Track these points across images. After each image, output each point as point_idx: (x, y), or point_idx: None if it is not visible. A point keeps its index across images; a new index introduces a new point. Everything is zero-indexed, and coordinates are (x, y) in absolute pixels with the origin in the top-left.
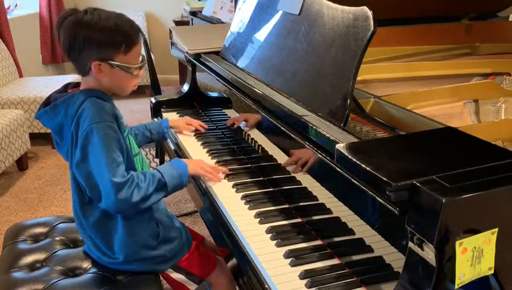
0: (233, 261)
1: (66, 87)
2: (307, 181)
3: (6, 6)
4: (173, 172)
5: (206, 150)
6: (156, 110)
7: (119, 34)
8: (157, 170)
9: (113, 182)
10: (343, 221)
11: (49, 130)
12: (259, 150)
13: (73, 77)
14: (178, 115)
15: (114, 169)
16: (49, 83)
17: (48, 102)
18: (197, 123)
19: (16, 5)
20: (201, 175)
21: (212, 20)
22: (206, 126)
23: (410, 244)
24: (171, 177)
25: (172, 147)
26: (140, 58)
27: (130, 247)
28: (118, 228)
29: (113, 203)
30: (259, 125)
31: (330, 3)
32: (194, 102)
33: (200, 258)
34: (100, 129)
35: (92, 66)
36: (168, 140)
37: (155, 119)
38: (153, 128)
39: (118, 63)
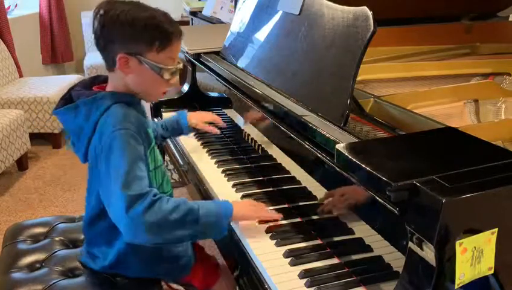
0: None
1: (93, 81)
2: (307, 181)
3: (6, 6)
4: (211, 207)
5: (206, 149)
6: (156, 110)
7: (154, 30)
8: (195, 202)
9: (124, 194)
10: (342, 220)
11: (49, 130)
12: (259, 150)
13: (74, 77)
14: None
15: (129, 181)
16: (49, 83)
17: (69, 96)
18: (219, 122)
19: (16, 5)
20: (254, 216)
21: (212, 20)
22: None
23: (410, 244)
24: (207, 213)
25: (172, 147)
26: (175, 63)
27: (129, 264)
28: (119, 243)
29: (125, 221)
30: (259, 125)
31: (330, 3)
32: (194, 102)
33: (203, 272)
34: (122, 137)
35: (117, 58)
36: (168, 140)
37: (155, 119)
38: (168, 125)
39: (148, 60)
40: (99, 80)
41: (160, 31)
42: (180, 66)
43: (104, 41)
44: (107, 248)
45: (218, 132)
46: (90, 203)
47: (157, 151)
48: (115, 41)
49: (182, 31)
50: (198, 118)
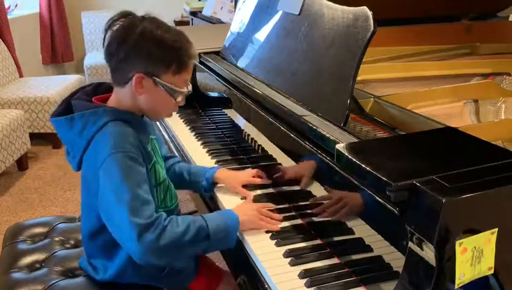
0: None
1: (96, 89)
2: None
3: (6, 6)
4: (220, 222)
5: (206, 149)
6: None
7: (173, 51)
8: (202, 216)
9: (133, 222)
10: (342, 220)
11: (49, 130)
12: (259, 150)
13: (74, 77)
14: (178, 115)
15: (137, 208)
16: (49, 83)
17: (69, 103)
18: (254, 178)
19: (16, 5)
20: (258, 226)
21: (212, 20)
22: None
23: (410, 244)
24: (216, 228)
25: (172, 146)
26: (187, 85)
27: (130, 278)
28: (122, 252)
29: (136, 249)
30: (259, 125)
31: (330, 3)
32: (194, 102)
33: (205, 279)
34: (121, 160)
35: (133, 77)
36: (167, 138)
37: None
38: (193, 172)
39: (164, 83)
40: (101, 89)
41: (182, 54)
42: (190, 88)
43: (120, 57)
44: (107, 262)
45: (251, 195)
46: (89, 219)
47: (158, 166)
48: (134, 60)
49: (197, 54)
50: (229, 175)
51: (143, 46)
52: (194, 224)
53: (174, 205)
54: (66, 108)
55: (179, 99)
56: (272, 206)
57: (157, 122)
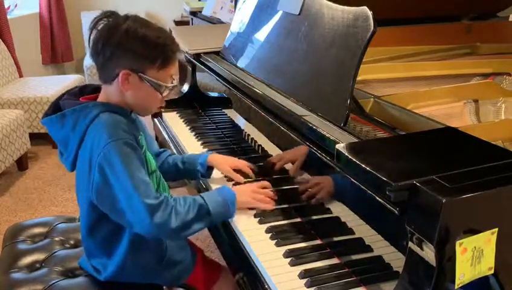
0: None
1: (82, 90)
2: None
3: (6, 6)
4: (218, 198)
5: (206, 149)
6: None
7: (157, 48)
8: (200, 195)
9: (146, 204)
10: (342, 221)
11: None
12: (259, 150)
13: (74, 77)
14: (178, 115)
15: (144, 190)
16: (49, 83)
17: (57, 105)
18: (244, 165)
19: (16, 5)
20: (253, 205)
21: (212, 20)
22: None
23: (410, 244)
24: (215, 204)
25: (172, 146)
26: (172, 80)
27: (129, 275)
28: (121, 247)
29: (149, 228)
30: (259, 125)
31: (330, 3)
32: (194, 102)
33: (203, 274)
34: (119, 148)
35: (120, 74)
36: (167, 138)
37: (155, 119)
38: (187, 160)
39: (149, 78)
40: (87, 91)
41: (166, 50)
42: (176, 82)
43: (106, 56)
44: (107, 259)
45: (242, 179)
46: (86, 214)
47: (149, 156)
48: (119, 58)
49: (180, 48)
50: (221, 159)
51: (128, 44)
52: (194, 202)
53: (168, 195)
54: (55, 110)
55: (165, 93)
56: (268, 184)
57: (158, 123)
